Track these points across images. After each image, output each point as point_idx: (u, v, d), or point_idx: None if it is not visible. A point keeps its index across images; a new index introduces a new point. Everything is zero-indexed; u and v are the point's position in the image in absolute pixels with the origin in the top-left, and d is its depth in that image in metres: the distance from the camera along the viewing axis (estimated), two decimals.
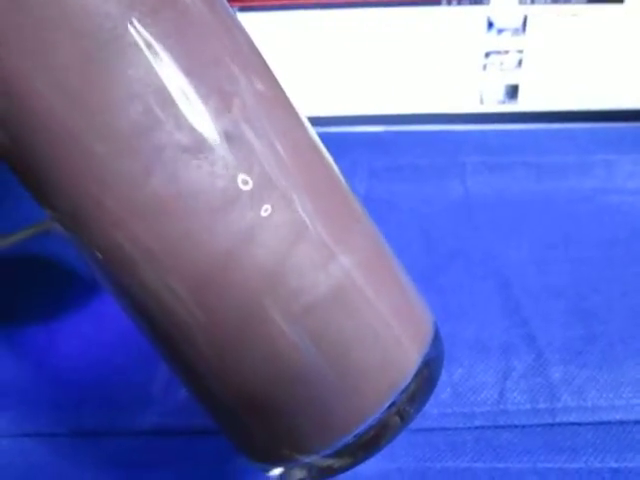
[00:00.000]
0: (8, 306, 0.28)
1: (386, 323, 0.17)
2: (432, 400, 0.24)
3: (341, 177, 0.18)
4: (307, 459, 0.17)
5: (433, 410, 0.23)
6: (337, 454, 0.17)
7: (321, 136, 0.36)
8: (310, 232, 0.15)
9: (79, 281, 0.28)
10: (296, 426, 0.17)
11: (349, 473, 0.22)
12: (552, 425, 0.22)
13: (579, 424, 0.22)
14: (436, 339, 0.18)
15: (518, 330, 0.26)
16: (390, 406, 0.17)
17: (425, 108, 0.35)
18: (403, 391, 0.17)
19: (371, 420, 0.17)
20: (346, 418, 0.16)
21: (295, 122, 0.17)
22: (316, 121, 0.36)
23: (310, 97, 0.36)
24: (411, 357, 0.17)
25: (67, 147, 0.14)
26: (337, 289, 0.16)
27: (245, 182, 0.15)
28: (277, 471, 0.18)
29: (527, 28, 0.33)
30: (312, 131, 0.18)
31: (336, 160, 0.36)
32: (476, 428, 0.23)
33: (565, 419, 0.22)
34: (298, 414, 0.16)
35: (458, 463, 0.22)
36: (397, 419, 0.17)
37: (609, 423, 0.22)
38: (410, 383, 0.17)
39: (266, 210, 0.15)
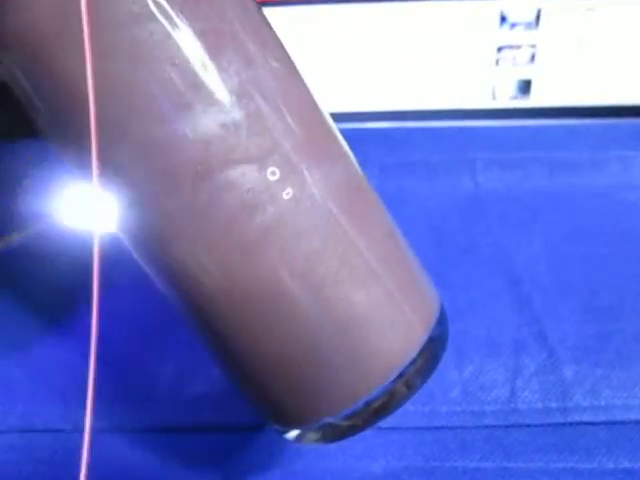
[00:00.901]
0: (16, 301, 0.28)
1: (394, 299, 0.18)
2: (441, 398, 0.24)
3: (355, 161, 0.20)
4: (321, 421, 0.18)
5: (442, 408, 0.23)
6: (349, 417, 0.18)
7: None
8: (322, 209, 0.17)
9: (87, 276, 0.28)
10: (312, 389, 0.18)
11: (357, 472, 0.22)
12: (564, 424, 0.22)
13: (592, 424, 0.22)
14: (441, 317, 0.20)
15: (529, 328, 0.25)
16: (398, 377, 0.18)
17: (436, 104, 0.35)
18: (410, 364, 0.18)
19: (381, 388, 0.18)
20: (358, 385, 0.18)
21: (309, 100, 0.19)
22: None
23: (321, 93, 0.35)
24: (418, 332, 0.18)
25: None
26: (346, 264, 0.17)
27: (273, 173, 0.16)
28: (294, 433, 0.19)
29: (540, 22, 0.32)
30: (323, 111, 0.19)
31: None
32: (486, 427, 0.22)
33: (577, 418, 0.22)
34: (313, 378, 0.18)
35: (467, 462, 0.21)
36: (404, 389, 0.18)
37: (623, 423, 0.22)
38: (417, 357, 0.18)
39: (288, 193, 0.16)
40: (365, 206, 0.19)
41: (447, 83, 0.34)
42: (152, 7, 0.15)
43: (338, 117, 0.36)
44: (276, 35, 0.18)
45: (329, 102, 0.36)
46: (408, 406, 0.23)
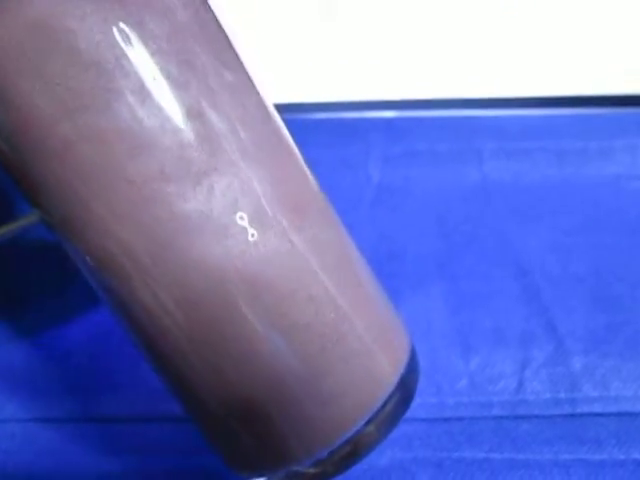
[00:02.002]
0: (17, 291, 0.28)
1: (364, 343, 0.17)
2: (448, 389, 0.23)
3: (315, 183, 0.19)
4: (288, 469, 0.17)
5: (449, 400, 0.23)
6: (318, 464, 0.18)
7: (335, 122, 0.36)
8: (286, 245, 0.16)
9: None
10: (278, 435, 0.17)
11: (365, 464, 0.21)
12: (573, 416, 0.22)
13: (601, 415, 0.22)
14: (412, 358, 0.19)
15: (538, 319, 0.25)
16: (368, 421, 0.17)
17: (442, 92, 0.35)
18: (380, 407, 0.18)
19: (350, 434, 0.17)
20: (326, 431, 0.17)
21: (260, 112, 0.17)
22: (330, 107, 0.36)
23: (324, 82, 0.35)
24: (388, 374, 0.18)
25: (58, 155, 0.14)
26: (317, 307, 0.16)
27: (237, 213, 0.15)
28: None
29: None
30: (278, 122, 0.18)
31: (350, 146, 0.36)
32: (494, 418, 0.22)
33: (587, 409, 0.22)
34: (279, 424, 0.17)
35: (475, 453, 0.21)
36: (375, 433, 0.18)
37: (633, 414, 0.21)
38: (387, 400, 0.18)
39: (242, 218, 0.15)
40: (332, 240, 0.18)
41: (453, 71, 0.34)
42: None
43: (341, 106, 0.35)
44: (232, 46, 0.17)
45: (332, 91, 0.35)
46: (415, 398, 0.23)
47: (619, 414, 0.21)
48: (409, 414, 0.23)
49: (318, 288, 0.16)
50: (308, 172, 0.18)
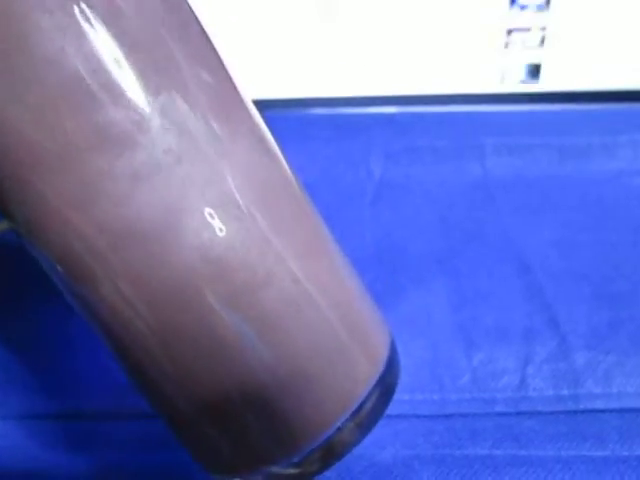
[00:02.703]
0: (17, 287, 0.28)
1: (340, 339, 0.17)
2: (451, 386, 0.23)
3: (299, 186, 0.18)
4: (265, 470, 0.17)
5: (452, 396, 0.23)
6: (296, 464, 0.17)
7: (337, 117, 0.36)
8: (255, 233, 0.15)
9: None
10: (252, 436, 0.17)
11: (366, 461, 0.21)
12: (576, 412, 0.22)
13: (604, 411, 0.22)
14: (392, 357, 0.19)
15: (540, 315, 0.25)
16: (347, 420, 0.17)
17: (444, 88, 0.35)
18: (359, 406, 0.17)
19: (329, 432, 0.17)
20: (302, 431, 0.17)
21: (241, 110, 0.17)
22: (331, 102, 0.36)
23: (325, 77, 0.35)
24: (368, 373, 0.18)
25: (19, 154, 0.14)
26: (288, 299, 0.16)
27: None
28: None
29: (551, 5, 0.32)
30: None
31: (351, 141, 0.36)
32: (497, 414, 0.22)
33: (589, 406, 0.22)
34: (252, 423, 0.17)
35: (478, 450, 0.21)
36: (355, 432, 0.18)
37: (636, 410, 0.21)
38: (366, 398, 0.18)
39: (211, 215, 0.15)
40: (314, 238, 0.18)
41: (455, 67, 0.34)
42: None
43: (342, 102, 0.35)
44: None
45: (334, 87, 0.35)
46: (417, 394, 0.23)
47: (622, 410, 0.21)
48: (411, 411, 0.23)
49: (289, 279, 0.16)
50: (283, 163, 0.18)
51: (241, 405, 0.16)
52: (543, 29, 0.32)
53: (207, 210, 0.15)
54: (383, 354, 0.19)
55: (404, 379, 0.23)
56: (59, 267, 0.15)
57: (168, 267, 0.15)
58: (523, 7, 0.32)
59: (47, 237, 0.15)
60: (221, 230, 0.15)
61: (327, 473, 0.21)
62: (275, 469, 0.17)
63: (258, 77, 0.34)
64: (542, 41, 0.33)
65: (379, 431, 0.22)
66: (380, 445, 0.21)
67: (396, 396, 0.23)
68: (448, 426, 0.22)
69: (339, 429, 0.17)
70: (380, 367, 0.19)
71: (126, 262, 0.14)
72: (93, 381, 0.24)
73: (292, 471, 0.17)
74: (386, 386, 0.19)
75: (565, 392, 0.22)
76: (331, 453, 0.18)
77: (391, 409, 0.23)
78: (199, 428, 0.17)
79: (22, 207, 0.14)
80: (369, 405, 0.18)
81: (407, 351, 0.24)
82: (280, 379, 0.16)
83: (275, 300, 0.16)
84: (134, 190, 0.14)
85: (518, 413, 0.22)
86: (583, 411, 0.22)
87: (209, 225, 0.15)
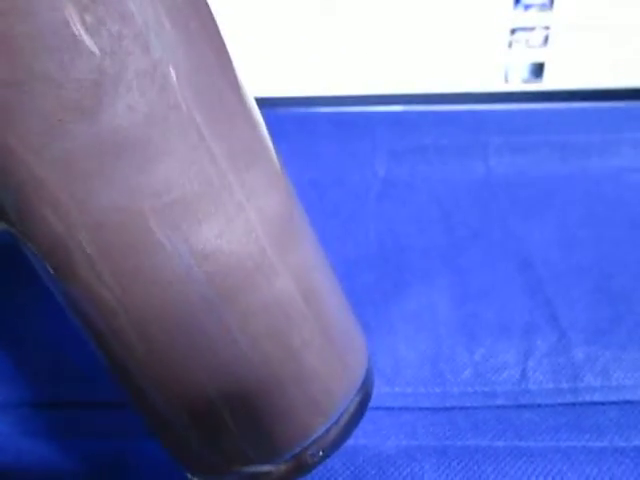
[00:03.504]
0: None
1: (322, 353, 0.18)
2: (453, 380, 0.24)
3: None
4: (242, 469, 0.18)
5: (454, 389, 0.23)
6: (275, 467, 0.18)
7: (342, 115, 0.36)
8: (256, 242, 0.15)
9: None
10: (230, 439, 0.17)
11: (369, 451, 0.22)
12: (575, 405, 0.22)
13: (603, 403, 0.22)
14: (369, 368, 0.20)
15: (541, 310, 0.25)
16: (325, 430, 0.18)
17: (448, 87, 0.35)
18: (337, 420, 0.19)
19: (306, 442, 0.18)
20: (281, 437, 0.18)
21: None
22: (336, 100, 0.36)
23: (330, 75, 0.35)
24: (346, 387, 0.19)
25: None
26: (270, 303, 0.16)
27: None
28: None
29: (555, 4, 0.32)
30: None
31: (356, 139, 0.36)
32: (497, 407, 0.23)
33: (588, 398, 0.22)
34: (233, 430, 0.17)
35: (479, 441, 0.22)
36: (334, 437, 0.19)
37: (634, 402, 0.22)
38: (344, 411, 0.19)
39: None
40: (301, 245, 0.18)
41: (459, 65, 0.34)
42: None
43: (347, 100, 0.36)
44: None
45: (338, 85, 0.35)
46: (420, 388, 0.24)
47: (620, 403, 0.22)
48: (414, 403, 0.23)
49: (281, 290, 0.16)
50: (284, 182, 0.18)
51: (219, 407, 0.17)
52: (546, 28, 0.33)
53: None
54: (362, 365, 0.20)
55: (408, 372, 0.24)
56: (46, 262, 0.15)
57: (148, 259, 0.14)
58: (527, 7, 0.32)
59: (35, 226, 0.14)
60: (221, 236, 0.15)
61: (332, 463, 0.21)
62: (252, 469, 0.18)
63: (264, 75, 0.35)
64: (545, 40, 0.33)
65: (383, 422, 0.23)
66: (384, 436, 0.22)
67: (400, 389, 0.24)
68: (450, 418, 0.22)
69: (318, 437, 0.18)
70: (359, 378, 0.20)
71: (105, 252, 0.14)
72: (74, 370, 0.25)
73: (270, 471, 0.18)
74: (364, 395, 0.20)
75: (564, 385, 0.23)
76: (307, 463, 0.19)
77: (395, 401, 0.23)
78: (176, 428, 0.18)
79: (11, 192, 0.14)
80: (347, 415, 0.19)
81: (411, 345, 0.25)
82: (258, 384, 0.17)
83: (258, 303, 0.16)
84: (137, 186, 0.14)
85: (518, 406, 0.22)
86: (582, 404, 0.22)
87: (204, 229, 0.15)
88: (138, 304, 0.15)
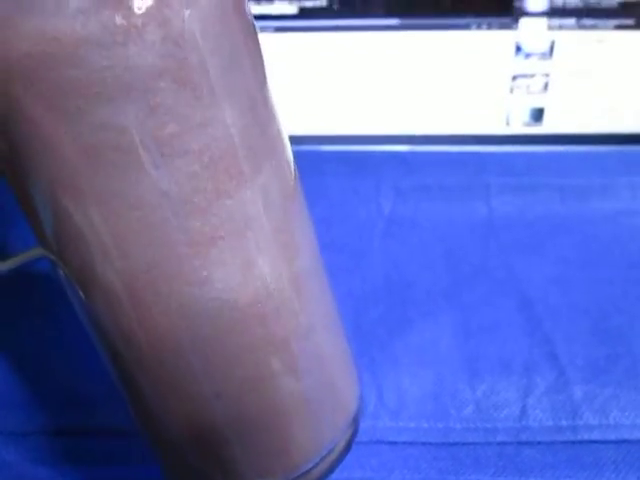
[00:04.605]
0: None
1: (319, 390, 0.19)
2: (455, 415, 0.25)
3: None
4: None
5: (456, 425, 0.24)
6: None
7: (349, 154, 0.37)
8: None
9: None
10: (238, 466, 0.19)
11: None
12: (574, 442, 0.23)
13: (601, 442, 0.23)
14: (360, 404, 0.22)
15: (540, 348, 0.26)
16: (317, 462, 0.20)
17: (452, 129, 0.36)
18: (329, 452, 0.20)
19: (298, 472, 0.19)
20: (273, 467, 0.19)
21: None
22: (343, 139, 0.38)
23: (338, 115, 0.37)
24: (339, 422, 0.20)
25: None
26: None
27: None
28: None
29: (554, 53, 0.33)
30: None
31: (362, 178, 0.37)
32: (498, 444, 0.23)
33: (587, 437, 0.23)
34: (238, 454, 0.18)
35: (481, 477, 0.22)
36: (324, 469, 0.20)
37: (631, 441, 0.22)
38: (336, 445, 0.21)
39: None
40: (316, 292, 0.19)
41: (463, 109, 0.36)
42: None
43: (353, 139, 0.37)
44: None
45: (346, 124, 0.37)
46: (423, 422, 0.24)
47: (617, 442, 0.23)
48: (418, 438, 0.24)
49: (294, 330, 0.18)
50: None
51: (222, 434, 0.18)
52: (546, 75, 0.34)
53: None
54: (355, 400, 0.21)
55: (412, 407, 0.25)
56: (79, 287, 0.16)
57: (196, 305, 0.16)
58: (527, 55, 0.34)
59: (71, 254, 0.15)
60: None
61: None
62: None
63: None
64: (545, 87, 0.34)
65: (387, 456, 0.23)
66: (388, 469, 0.23)
67: (404, 424, 0.24)
68: (453, 453, 0.23)
69: (310, 469, 0.19)
70: (352, 413, 0.21)
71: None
72: (81, 398, 0.25)
73: None
74: (354, 430, 0.22)
75: (564, 423, 0.23)
76: None
77: (399, 436, 0.24)
78: (183, 456, 0.19)
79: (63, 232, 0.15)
80: (337, 449, 0.21)
81: (415, 380, 0.26)
82: (261, 417, 0.18)
83: (262, 340, 0.17)
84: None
85: (519, 443, 0.23)
86: (581, 442, 0.23)
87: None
88: (158, 331, 0.16)
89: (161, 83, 0.13)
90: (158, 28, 0.13)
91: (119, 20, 0.12)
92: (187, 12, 0.13)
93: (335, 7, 0.34)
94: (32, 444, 0.25)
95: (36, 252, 0.17)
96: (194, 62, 0.13)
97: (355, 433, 0.22)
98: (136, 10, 0.12)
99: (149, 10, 0.13)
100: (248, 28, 0.15)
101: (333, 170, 0.35)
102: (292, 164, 0.18)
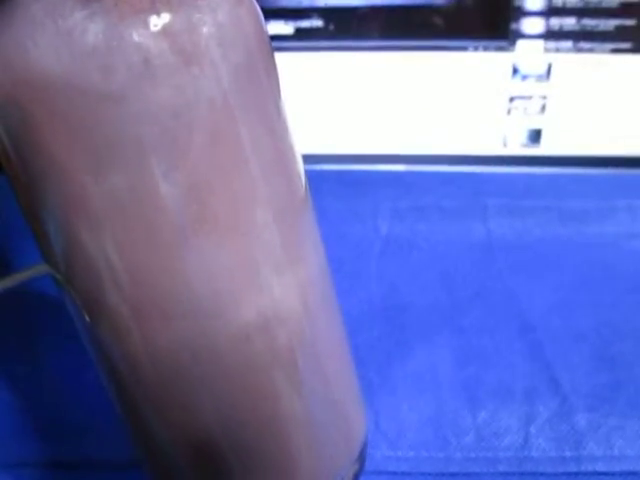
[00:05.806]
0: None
1: (325, 422, 0.19)
2: (455, 444, 0.24)
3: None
4: None
5: (457, 454, 0.23)
6: None
7: (346, 174, 0.37)
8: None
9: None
10: None
11: None
12: (577, 474, 0.22)
13: (605, 474, 0.22)
14: (366, 437, 0.21)
15: (542, 375, 0.26)
16: None
17: (450, 150, 0.36)
18: None
19: None
20: None
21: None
22: (340, 159, 0.37)
23: (334, 135, 0.36)
24: (345, 453, 0.20)
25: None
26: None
27: None
28: None
29: (551, 75, 0.33)
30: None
31: (360, 198, 0.37)
32: (500, 474, 0.23)
33: (591, 468, 0.22)
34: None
35: None
36: None
37: (636, 473, 0.22)
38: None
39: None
40: (326, 319, 0.19)
41: (461, 130, 0.35)
42: None
43: (351, 159, 0.37)
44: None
45: (342, 144, 0.37)
46: (422, 452, 0.24)
47: (622, 473, 0.22)
48: (416, 468, 0.23)
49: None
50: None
51: (223, 458, 0.17)
52: (543, 97, 0.34)
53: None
54: (362, 434, 0.20)
55: (409, 436, 0.24)
56: (84, 310, 0.16)
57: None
58: (524, 77, 0.34)
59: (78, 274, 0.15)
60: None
61: None
62: None
63: None
64: (542, 108, 0.34)
65: None
66: None
67: (402, 453, 0.24)
68: None
69: None
70: (357, 447, 0.20)
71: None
72: (74, 429, 0.25)
73: None
74: (361, 463, 0.21)
75: (567, 453, 0.23)
76: None
77: (397, 466, 0.23)
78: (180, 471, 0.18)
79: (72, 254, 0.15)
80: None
81: (413, 407, 0.25)
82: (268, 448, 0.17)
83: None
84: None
85: (522, 473, 0.22)
86: (585, 473, 0.22)
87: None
88: (163, 354, 0.16)
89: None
90: None
91: None
92: None
93: (331, 28, 0.33)
94: (24, 476, 0.24)
95: (40, 269, 0.16)
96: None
97: (361, 469, 0.21)
98: None
99: None
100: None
101: (330, 190, 0.35)
102: (303, 175, 0.18)
